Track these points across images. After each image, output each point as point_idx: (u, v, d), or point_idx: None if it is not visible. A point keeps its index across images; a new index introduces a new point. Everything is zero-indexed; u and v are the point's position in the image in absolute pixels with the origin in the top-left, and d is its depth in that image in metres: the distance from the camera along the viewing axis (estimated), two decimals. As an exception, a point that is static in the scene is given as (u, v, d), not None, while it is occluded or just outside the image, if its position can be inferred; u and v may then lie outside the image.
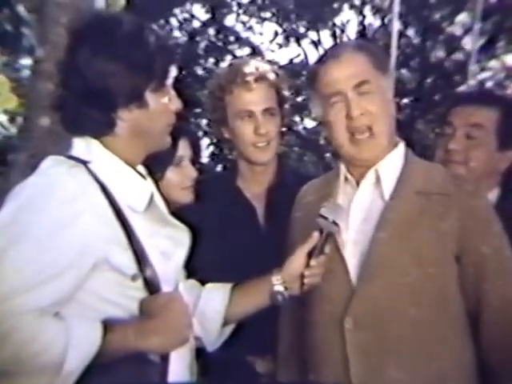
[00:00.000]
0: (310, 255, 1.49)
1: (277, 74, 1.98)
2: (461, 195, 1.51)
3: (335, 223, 1.48)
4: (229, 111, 1.95)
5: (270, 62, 2.11)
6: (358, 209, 1.56)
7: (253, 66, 1.94)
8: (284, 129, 2.04)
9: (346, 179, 1.61)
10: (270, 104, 1.94)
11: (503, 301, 1.49)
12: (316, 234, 1.49)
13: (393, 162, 1.58)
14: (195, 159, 1.82)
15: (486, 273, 1.49)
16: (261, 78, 1.92)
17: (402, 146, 1.62)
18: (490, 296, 1.49)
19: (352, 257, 1.52)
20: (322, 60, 1.61)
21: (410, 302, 1.46)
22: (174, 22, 10.74)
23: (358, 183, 1.58)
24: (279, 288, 1.51)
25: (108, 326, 1.23)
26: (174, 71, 1.39)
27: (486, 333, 1.49)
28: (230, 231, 1.88)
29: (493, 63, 9.98)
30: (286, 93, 2.01)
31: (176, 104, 1.41)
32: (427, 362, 1.45)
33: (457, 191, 1.52)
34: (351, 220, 1.55)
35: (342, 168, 1.62)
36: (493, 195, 1.86)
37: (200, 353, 1.57)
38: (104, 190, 1.30)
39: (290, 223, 1.72)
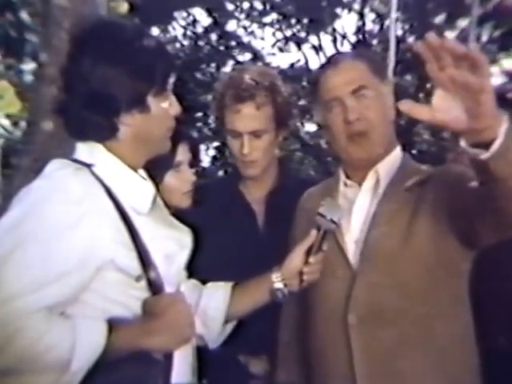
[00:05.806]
0: (308, 253, 1.53)
1: (273, 86, 1.92)
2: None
3: (333, 221, 1.51)
4: (224, 122, 1.96)
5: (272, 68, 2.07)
6: (359, 210, 1.59)
7: (245, 82, 1.88)
8: (285, 133, 2.03)
9: (346, 184, 1.65)
10: (258, 126, 1.90)
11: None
12: (314, 232, 1.53)
13: (391, 164, 1.62)
14: (194, 164, 1.84)
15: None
16: (251, 97, 1.88)
17: (398, 149, 1.67)
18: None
19: (353, 255, 1.56)
20: (322, 67, 1.66)
21: (411, 293, 1.48)
22: (176, 27, 10.77)
23: (360, 186, 1.62)
24: (279, 285, 1.55)
25: (112, 325, 1.25)
26: (173, 76, 1.41)
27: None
28: (230, 234, 1.90)
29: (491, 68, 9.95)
30: (285, 104, 1.95)
31: (175, 108, 1.43)
32: (433, 355, 1.47)
33: (441, 172, 1.57)
34: (353, 222, 1.59)
35: (341, 174, 1.67)
36: None
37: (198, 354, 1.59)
38: (108, 192, 1.32)
39: (292, 227, 1.75)
